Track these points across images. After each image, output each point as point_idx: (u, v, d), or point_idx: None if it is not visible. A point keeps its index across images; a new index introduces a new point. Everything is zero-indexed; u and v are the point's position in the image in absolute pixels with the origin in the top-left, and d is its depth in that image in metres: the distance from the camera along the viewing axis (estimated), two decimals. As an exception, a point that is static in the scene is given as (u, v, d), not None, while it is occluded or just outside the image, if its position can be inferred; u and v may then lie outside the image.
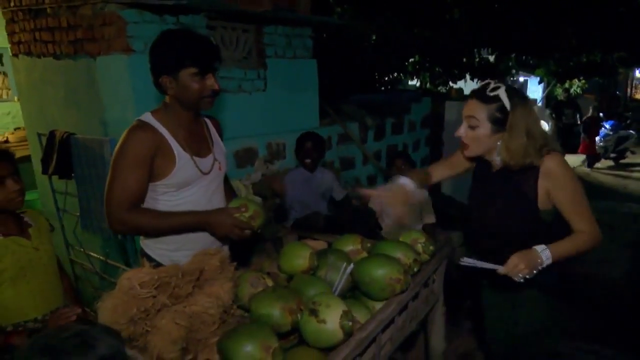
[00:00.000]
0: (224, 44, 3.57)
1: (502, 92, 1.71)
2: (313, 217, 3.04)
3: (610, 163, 9.52)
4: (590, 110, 9.48)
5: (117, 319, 1.34)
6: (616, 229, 5.42)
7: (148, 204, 1.82)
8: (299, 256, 1.74)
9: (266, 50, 3.85)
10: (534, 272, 1.69)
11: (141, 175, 1.74)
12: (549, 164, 1.72)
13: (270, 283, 1.69)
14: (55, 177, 3.51)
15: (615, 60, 8.41)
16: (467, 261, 1.82)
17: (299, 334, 1.48)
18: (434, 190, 4.30)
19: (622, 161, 9.58)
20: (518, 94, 1.77)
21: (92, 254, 3.57)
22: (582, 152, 9.39)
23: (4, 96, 6.76)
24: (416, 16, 5.80)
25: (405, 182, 1.97)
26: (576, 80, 10.01)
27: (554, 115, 9.46)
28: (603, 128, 9.31)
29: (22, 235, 1.84)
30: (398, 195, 1.97)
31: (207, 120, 2.08)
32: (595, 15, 5.89)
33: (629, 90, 19.20)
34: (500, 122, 1.72)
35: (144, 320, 1.37)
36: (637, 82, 17.06)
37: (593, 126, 9.25)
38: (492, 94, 1.72)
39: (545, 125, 9.82)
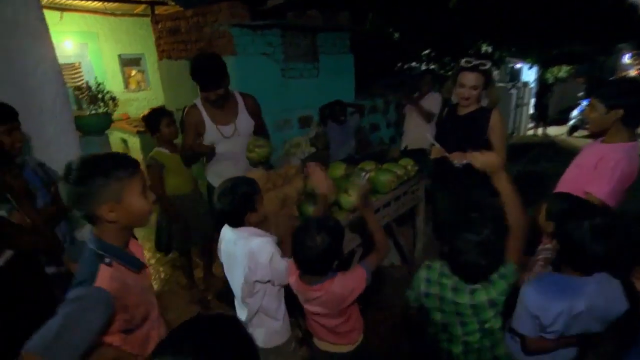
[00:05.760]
0: (292, 46, 3.89)
1: (488, 67, 2.09)
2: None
3: (585, 132, 9.23)
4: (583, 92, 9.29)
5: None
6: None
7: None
8: (339, 168, 2.38)
9: (319, 49, 4.15)
10: (463, 162, 1.92)
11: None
12: (495, 112, 2.11)
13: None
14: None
15: (593, 50, 8.02)
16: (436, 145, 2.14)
17: (338, 204, 2.14)
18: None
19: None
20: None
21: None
22: None
23: (142, 87, 7.44)
24: (428, 20, 5.88)
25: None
26: (564, 66, 9.55)
27: (537, 95, 9.17)
28: (581, 104, 9.00)
29: None
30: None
31: (240, 99, 2.24)
32: (570, 16, 5.77)
33: (617, 73, 17.66)
34: (486, 84, 2.10)
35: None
36: (625, 68, 15.51)
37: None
38: (482, 68, 2.06)
39: (532, 101, 9.55)
